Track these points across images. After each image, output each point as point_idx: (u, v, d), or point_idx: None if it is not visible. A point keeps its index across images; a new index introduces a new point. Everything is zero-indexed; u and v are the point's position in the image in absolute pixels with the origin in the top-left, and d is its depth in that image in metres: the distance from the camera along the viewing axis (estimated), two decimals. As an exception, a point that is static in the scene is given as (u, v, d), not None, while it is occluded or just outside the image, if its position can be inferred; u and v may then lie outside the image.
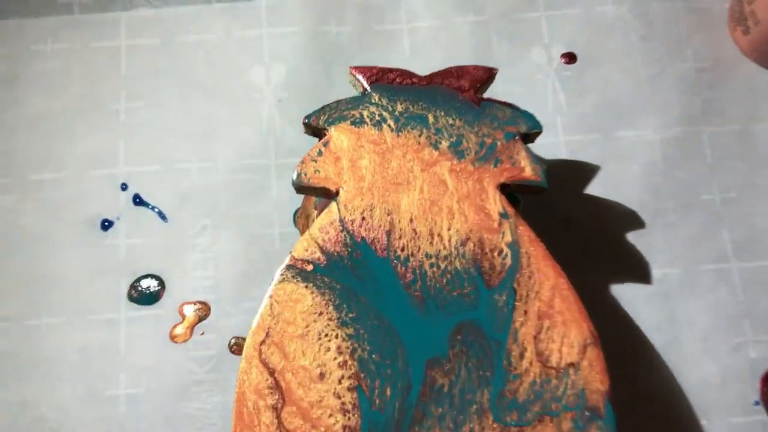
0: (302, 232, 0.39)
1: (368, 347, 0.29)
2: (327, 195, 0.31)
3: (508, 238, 0.30)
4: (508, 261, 0.30)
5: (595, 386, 0.28)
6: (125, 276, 0.38)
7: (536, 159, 0.31)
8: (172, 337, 0.38)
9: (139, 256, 0.38)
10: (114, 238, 0.38)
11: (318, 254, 0.30)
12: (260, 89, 0.41)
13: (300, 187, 0.31)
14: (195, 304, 0.38)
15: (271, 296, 0.30)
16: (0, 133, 0.40)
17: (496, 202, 0.30)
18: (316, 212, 0.39)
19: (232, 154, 0.40)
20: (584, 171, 0.40)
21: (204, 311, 0.38)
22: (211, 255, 0.38)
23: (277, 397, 0.28)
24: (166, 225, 0.39)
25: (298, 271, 0.30)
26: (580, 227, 0.39)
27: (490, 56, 0.42)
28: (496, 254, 0.30)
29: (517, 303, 0.29)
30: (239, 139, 0.39)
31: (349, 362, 0.29)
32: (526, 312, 0.29)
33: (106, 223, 0.39)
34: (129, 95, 0.41)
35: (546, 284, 0.30)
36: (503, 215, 0.30)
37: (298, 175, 0.31)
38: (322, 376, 0.29)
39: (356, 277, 0.30)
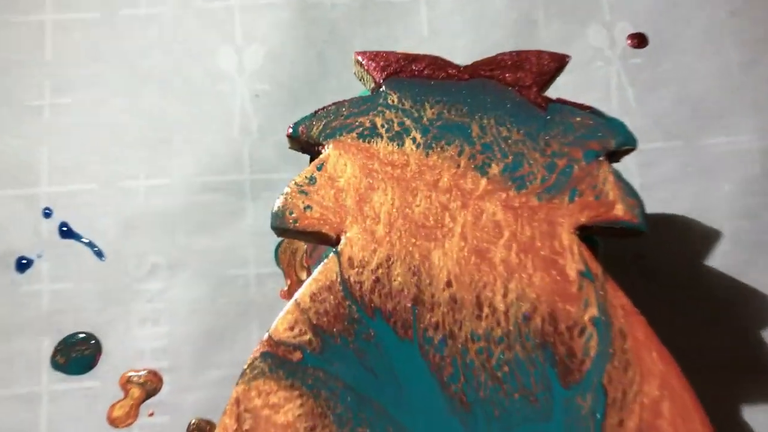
0: (287, 274, 0.29)
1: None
2: (324, 242, 0.21)
3: (594, 310, 0.20)
4: (594, 345, 0.20)
5: None
6: (49, 334, 0.29)
7: (630, 190, 0.21)
8: (112, 420, 0.28)
9: (67, 308, 0.29)
10: (34, 282, 0.29)
11: (309, 335, 0.20)
12: (231, 79, 0.31)
13: (282, 231, 0.21)
14: (142, 373, 0.28)
15: (237, 400, 0.20)
16: None
17: (574, 255, 0.21)
18: (306, 249, 0.29)
19: (193, 168, 0.31)
20: (660, 190, 0.31)
21: (154, 383, 0.28)
22: (163, 305, 0.29)
23: None
24: (103, 264, 0.29)
25: (278, 361, 0.20)
26: (656, 266, 0.29)
27: (534, 36, 0.32)
28: (576, 335, 0.20)
29: (608, 409, 0.20)
30: (203, 147, 0.31)
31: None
32: (621, 423, 0.20)
33: (24, 262, 0.29)
34: (56, 87, 0.32)
35: (651, 379, 0.20)
36: (585, 274, 0.21)
37: (280, 214, 0.21)
38: None
39: (367, 371, 0.20)
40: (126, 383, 0.28)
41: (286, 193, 0.21)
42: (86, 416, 0.28)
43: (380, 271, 0.21)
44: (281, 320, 0.20)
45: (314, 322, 0.20)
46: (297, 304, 0.20)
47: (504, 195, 0.21)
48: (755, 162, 0.31)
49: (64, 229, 0.30)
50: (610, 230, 0.21)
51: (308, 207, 0.21)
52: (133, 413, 0.28)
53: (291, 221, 0.21)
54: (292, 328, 0.20)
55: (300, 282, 0.29)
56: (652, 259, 0.29)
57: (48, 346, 0.28)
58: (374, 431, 0.19)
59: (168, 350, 0.28)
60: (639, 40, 0.32)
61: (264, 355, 0.20)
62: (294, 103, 0.31)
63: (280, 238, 0.30)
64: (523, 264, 0.21)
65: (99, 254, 0.29)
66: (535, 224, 0.21)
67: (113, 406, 0.28)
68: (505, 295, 0.20)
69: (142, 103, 0.31)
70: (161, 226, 0.30)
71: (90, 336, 0.29)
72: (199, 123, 0.31)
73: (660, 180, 0.31)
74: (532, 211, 0.21)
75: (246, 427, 0.20)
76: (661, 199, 0.30)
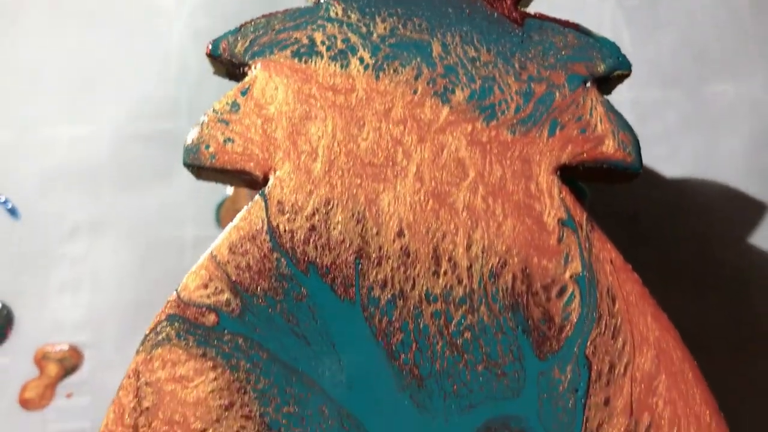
0: (230, 236, 0.25)
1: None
2: (249, 184, 0.18)
3: (576, 266, 0.17)
4: (576, 308, 0.16)
5: None
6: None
7: (622, 123, 0.18)
8: (23, 402, 0.24)
9: None
10: (-63, 243, 0.25)
11: (227, 295, 0.16)
12: (167, 12, 0.27)
13: (198, 169, 0.17)
14: (60, 348, 0.25)
15: (135, 372, 0.16)
16: None
17: (553, 200, 0.17)
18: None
19: (123, 115, 0.27)
20: (658, 146, 0.27)
21: (73, 360, 0.25)
22: (86, 271, 0.26)
23: None
24: (17, 224, 0.26)
25: (188, 325, 0.16)
26: (653, 228, 0.26)
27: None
28: (554, 295, 0.17)
29: (592, 385, 0.16)
30: (134, 90, 0.27)
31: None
32: (608, 401, 0.16)
33: (-74, 220, 0.25)
34: (-32, 23, 0.27)
35: (644, 349, 0.16)
36: (567, 223, 0.17)
37: (194, 148, 0.17)
38: None
39: (298, 338, 0.16)
40: (41, 359, 0.25)
41: (203, 123, 0.17)
42: (-6, 397, 0.24)
43: (317, 217, 0.17)
44: (192, 276, 0.17)
45: (233, 278, 0.16)
46: (212, 257, 0.17)
47: (470, 127, 0.17)
48: (767, 113, 0.27)
49: (-26, 183, 0.26)
50: (597, 171, 0.18)
51: (229, 140, 0.17)
52: (48, 394, 0.24)
53: (207, 157, 0.17)
54: (205, 286, 0.16)
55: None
56: (648, 224, 0.26)
57: (-48, 316, 0.25)
58: (305, 411, 0.16)
59: (90, 322, 0.25)
60: (635, -24, 0.28)
61: (171, 318, 0.16)
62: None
63: (222, 196, 0.26)
64: (492, 210, 0.17)
65: (13, 212, 0.26)
66: (506, 163, 0.17)
67: (25, 385, 0.24)
68: (468, 248, 0.17)
69: (65, 40, 0.27)
70: (85, 181, 0.26)
71: (0, 305, 0.25)
72: (131, 63, 0.27)
73: (658, 135, 0.27)
74: (504, 146, 0.17)
75: (146, 404, 0.16)
76: (659, 156, 0.27)
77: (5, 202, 0.26)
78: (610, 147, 0.17)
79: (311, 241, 0.17)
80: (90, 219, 0.26)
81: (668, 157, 0.27)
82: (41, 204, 0.26)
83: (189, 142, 0.17)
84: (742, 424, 0.19)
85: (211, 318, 0.16)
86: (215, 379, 0.16)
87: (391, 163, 0.17)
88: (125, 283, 0.25)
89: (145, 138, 0.26)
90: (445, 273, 0.17)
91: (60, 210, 0.26)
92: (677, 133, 0.27)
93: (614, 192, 0.25)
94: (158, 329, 0.16)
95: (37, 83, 0.27)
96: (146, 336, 0.16)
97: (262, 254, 0.17)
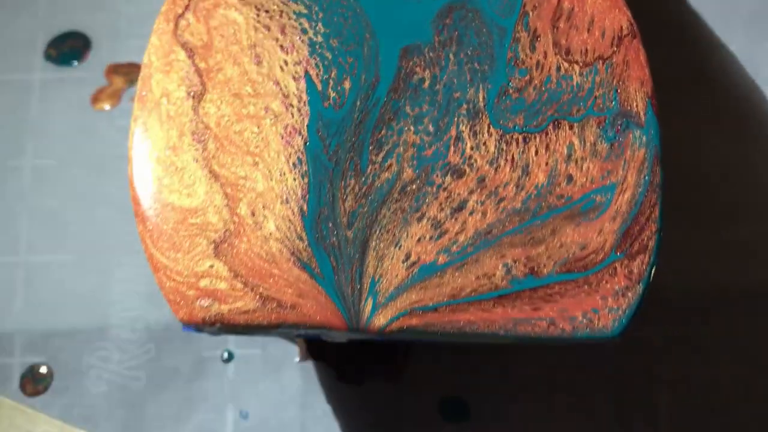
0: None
1: (323, 29, 0.21)
2: None
3: None
4: (519, -71, 0.22)
5: (632, 87, 0.21)
6: (43, 31, 0.31)
7: None
8: (95, 102, 0.30)
9: (62, 8, 0.31)
10: (32, -14, 0.31)
11: None
12: None
13: None
14: (126, 66, 0.31)
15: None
16: None
17: None
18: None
19: None
20: None
21: (136, 75, 0.31)
22: (151, 8, 0.31)
23: (196, 81, 0.21)
24: None
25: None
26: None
27: None
28: None
29: (528, -16, 0.21)
30: None
31: (297, 44, 0.21)
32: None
33: (25, -28, 0.32)
34: None
35: (570, -41, 0.22)
36: None
37: None
38: (258, 60, 0.21)
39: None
40: (111, 73, 0.31)
41: None
42: (72, 100, 0.30)
43: None
44: None
45: None
46: None
47: None
48: None
49: (64, -55, 0.32)
50: None
51: None
52: (115, 99, 0.30)
53: None
54: None
55: None
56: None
57: (42, 41, 0.31)
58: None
59: (151, 47, 0.31)
60: None
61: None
62: None
63: None
64: None
65: (93, -36, 0.32)
66: None
67: (98, 91, 0.30)
68: None
69: None
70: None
71: (80, 33, 0.31)
72: None
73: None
74: None
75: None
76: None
77: (88, -42, 0.32)
78: None
79: None
80: (154, -30, 0.32)
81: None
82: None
83: None
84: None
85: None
86: (252, -31, 0.22)
87: None
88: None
89: None
90: None
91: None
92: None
93: None
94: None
95: None
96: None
97: None
